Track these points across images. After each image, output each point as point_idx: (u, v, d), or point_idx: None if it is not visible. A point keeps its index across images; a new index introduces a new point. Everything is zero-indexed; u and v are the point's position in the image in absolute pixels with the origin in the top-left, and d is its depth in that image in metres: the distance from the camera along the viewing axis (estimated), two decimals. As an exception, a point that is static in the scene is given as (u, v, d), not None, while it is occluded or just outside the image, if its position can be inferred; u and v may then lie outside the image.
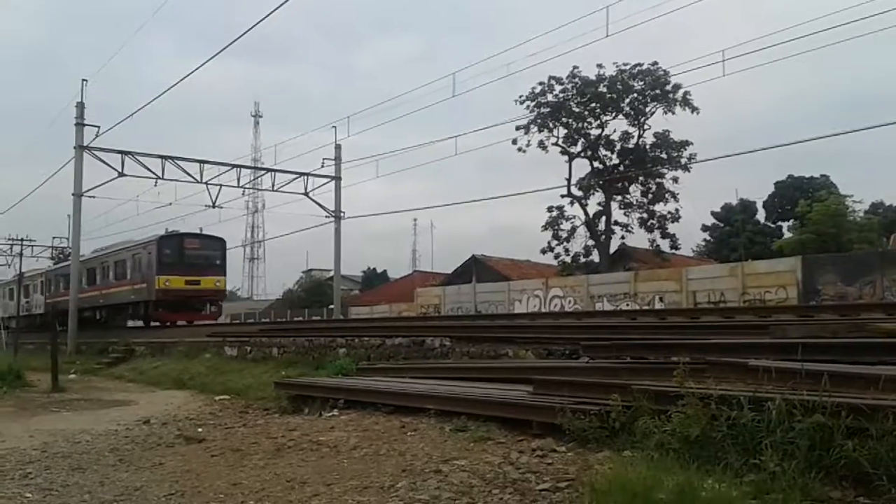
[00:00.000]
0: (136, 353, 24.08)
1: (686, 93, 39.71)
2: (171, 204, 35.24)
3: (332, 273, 42.90)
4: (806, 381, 5.14)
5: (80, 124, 29.38)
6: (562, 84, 41.43)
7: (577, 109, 41.57)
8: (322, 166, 34.59)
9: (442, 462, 6.08)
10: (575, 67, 41.09)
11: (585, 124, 42.27)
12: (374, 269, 75.50)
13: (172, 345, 22.49)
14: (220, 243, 33.37)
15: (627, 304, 28.64)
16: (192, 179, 31.77)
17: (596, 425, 5.92)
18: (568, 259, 44.29)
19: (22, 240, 62.18)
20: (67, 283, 34.35)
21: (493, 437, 6.68)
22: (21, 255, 60.53)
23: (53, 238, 61.49)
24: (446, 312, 36.40)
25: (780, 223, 52.84)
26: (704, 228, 57.17)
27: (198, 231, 33.66)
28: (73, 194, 29.80)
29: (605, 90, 40.99)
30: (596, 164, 43.21)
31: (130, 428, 10.39)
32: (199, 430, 9.81)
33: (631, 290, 29.75)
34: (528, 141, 41.56)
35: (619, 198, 43.29)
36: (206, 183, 32.23)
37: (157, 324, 32.21)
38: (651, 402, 5.70)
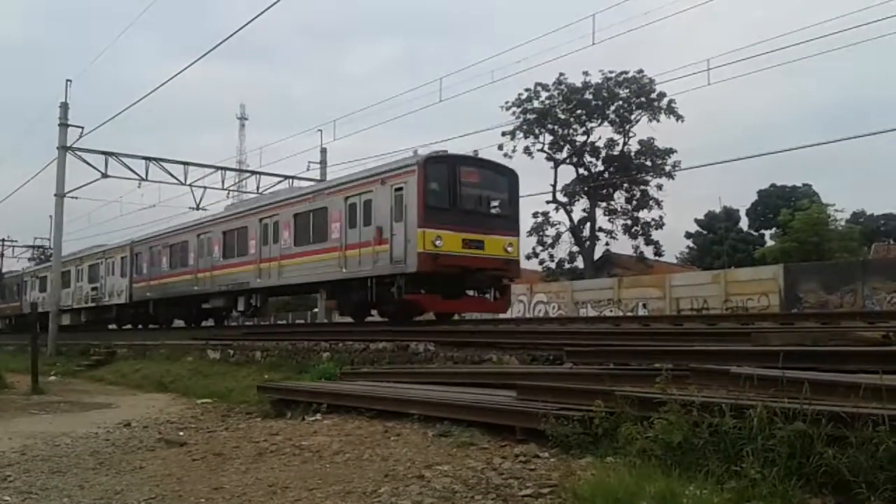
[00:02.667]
0: (117, 356, 23.89)
1: (671, 101, 40.05)
2: (154, 206, 34.98)
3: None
4: (787, 389, 5.18)
5: (63, 125, 29.10)
6: (548, 91, 41.69)
7: (562, 116, 41.83)
8: (308, 169, 34.46)
9: (425, 467, 6.07)
10: (561, 74, 41.40)
11: (571, 131, 42.54)
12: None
13: (154, 347, 22.32)
14: (510, 179, 19.09)
15: (611, 311, 28.76)
16: (176, 181, 31.52)
17: (579, 431, 5.94)
18: (552, 265, 44.48)
19: (3, 240, 61.78)
20: (179, 256, 28.05)
21: (477, 443, 6.68)
22: (2, 255, 60.12)
23: (35, 239, 61.02)
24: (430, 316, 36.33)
25: (762, 231, 53.33)
26: (688, 235, 57.57)
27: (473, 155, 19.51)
28: (55, 195, 29.52)
29: (590, 97, 41.25)
30: (581, 170, 43.49)
31: (111, 431, 10.31)
32: (181, 433, 9.75)
33: (615, 296, 29.90)
34: (514, 146, 41.72)
35: (604, 204, 43.56)
36: (190, 185, 31.99)
37: (418, 317, 18.83)
38: (634, 409, 5.72)
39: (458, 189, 17.54)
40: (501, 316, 20.01)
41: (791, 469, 4.45)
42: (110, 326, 36.49)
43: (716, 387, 5.90)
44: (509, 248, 17.93)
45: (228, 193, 35.34)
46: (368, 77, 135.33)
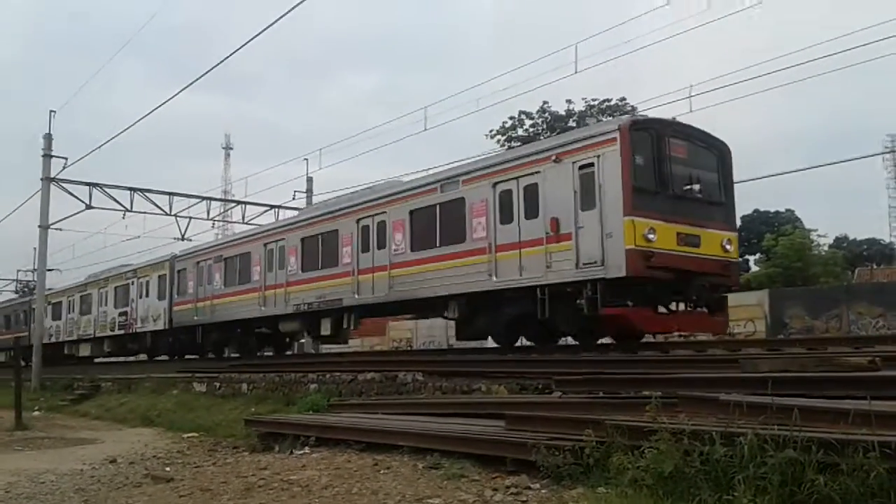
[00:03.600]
0: (102, 389, 23.58)
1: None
2: (139, 236, 34.75)
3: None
4: (777, 416, 5.19)
5: (47, 155, 28.99)
6: (532, 118, 42.06)
7: (547, 144, 42.08)
8: (294, 198, 34.41)
9: (415, 500, 6.03)
10: (545, 102, 41.75)
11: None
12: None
13: (140, 381, 22.08)
14: (723, 154, 14.82)
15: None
16: (161, 212, 31.46)
17: (570, 461, 5.92)
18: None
19: (-15, 273, 61.18)
20: (238, 271, 23.82)
21: (467, 475, 6.63)
22: (-15, 288, 59.51)
23: (18, 271, 60.49)
24: (419, 346, 36.21)
25: (747, 256, 53.65)
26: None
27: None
28: (39, 226, 29.32)
29: (574, 125, 41.59)
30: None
31: (96, 467, 10.15)
32: (168, 469, 9.62)
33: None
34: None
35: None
36: (175, 215, 31.92)
37: (613, 337, 15.43)
38: (624, 438, 5.71)
39: (668, 166, 13.46)
40: (489, 344, 18.89)
41: (783, 497, 4.45)
42: (139, 357, 33.50)
43: (705, 414, 5.90)
44: (728, 247, 13.96)
45: (214, 223, 35.27)
46: (353, 106, 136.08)
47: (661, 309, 13.86)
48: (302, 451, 9.10)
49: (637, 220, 12.59)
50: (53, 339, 37.23)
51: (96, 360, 35.63)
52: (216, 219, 35.95)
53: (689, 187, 13.59)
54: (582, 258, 13.16)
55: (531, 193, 14.21)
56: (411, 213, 17.06)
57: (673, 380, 7.76)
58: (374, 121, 69.04)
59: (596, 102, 41.22)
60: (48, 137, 29.18)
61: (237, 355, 25.03)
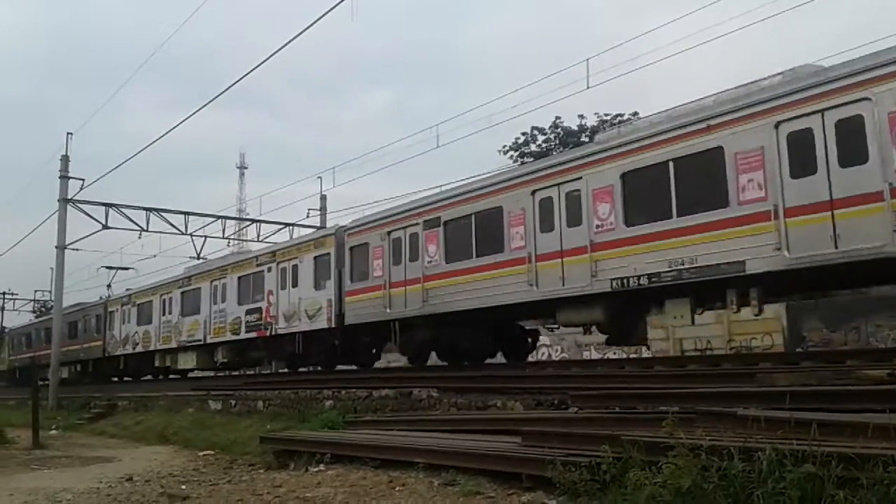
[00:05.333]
0: (118, 408, 23.69)
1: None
2: (155, 256, 34.84)
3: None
4: (795, 430, 5.14)
5: (64, 177, 29.34)
6: (544, 134, 42.09)
7: (560, 159, 42.10)
8: (307, 216, 34.57)
9: (431, 518, 6.00)
10: (557, 118, 41.80)
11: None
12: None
13: (155, 399, 22.15)
14: None
15: (614, 353, 28.58)
16: (176, 231, 31.68)
17: (587, 478, 5.86)
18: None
19: (3, 293, 61.76)
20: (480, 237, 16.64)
21: (483, 492, 6.60)
22: (3, 308, 60.06)
23: (35, 291, 60.90)
24: (434, 362, 36.09)
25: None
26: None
27: None
28: (56, 247, 29.60)
29: (587, 140, 41.61)
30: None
31: (113, 486, 10.18)
32: (183, 487, 9.63)
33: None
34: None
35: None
36: (190, 234, 32.14)
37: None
38: (641, 454, 5.66)
39: None
40: (501, 359, 19.28)
41: (803, 513, 4.39)
42: (268, 368, 28.76)
43: (723, 429, 5.85)
44: None
45: (229, 242, 35.37)
46: (364, 125, 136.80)
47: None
48: (317, 469, 9.09)
49: None
50: (139, 349, 32.25)
51: (199, 377, 29.81)
52: (231, 237, 36.13)
53: None
54: None
55: None
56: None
57: (690, 394, 7.71)
58: (386, 139, 69.47)
59: (608, 117, 41.23)
60: (65, 159, 29.55)
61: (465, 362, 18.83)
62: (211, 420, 17.12)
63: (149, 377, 34.51)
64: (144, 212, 30.61)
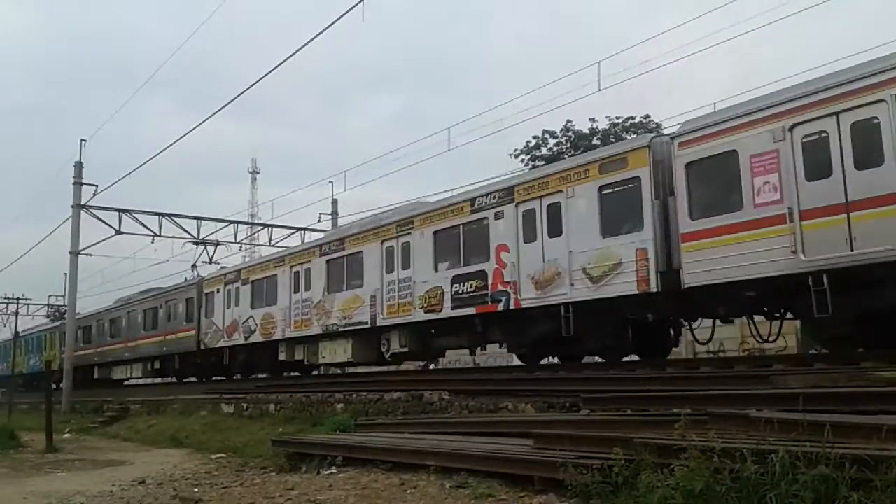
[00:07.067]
0: (131, 412, 23.82)
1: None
2: (168, 261, 34.89)
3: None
4: (808, 432, 5.11)
5: (78, 183, 29.56)
6: (556, 137, 41.98)
7: (572, 162, 41.93)
8: (319, 220, 34.57)
9: (443, 520, 5.99)
10: (568, 121, 41.68)
11: (580, 176, 42.57)
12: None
13: (168, 402, 22.25)
14: None
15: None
16: (189, 236, 31.86)
17: (598, 480, 5.85)
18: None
19: (18, 298, 62.11)
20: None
21: (495, 494, 6.59)
22: (17, 314, 60.41)
23: (49, 296, 61.19)
24: (444, 365, 36.09)
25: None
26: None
27: None
28: (70, 252, 29.81)
29: (598, 143, 41.50)
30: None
31: (126, 489, 10.22)
32: (196, 490, 9.65)
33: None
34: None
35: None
36: (203, 239, 32.32)
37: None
38: (653, 456, 5.64)
39: None
40: (516, 362, 19.09)
41: (816, 514, 4.35)
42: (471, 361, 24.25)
43: (736, 431, 5.82)
44: None
45: (241, 247, 35.43)
46: (374, 130, 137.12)
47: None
48: (329, 471, 9.10)
49: None
50: (254, 339, 24.84)
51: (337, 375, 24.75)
52: (243, 241, 36.24)
53: None
54: None
55: None
56: None
57: (702, 396, 7.67)
58: (397, 143, 69.54)
59: (620, 120, 41.12)
60: (79, 165, 29.79)
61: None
62: (223, 423, 17.18)
63: (262, 376, 27.45)
64: (157, 217, 30.82)
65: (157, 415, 21.57)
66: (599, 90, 20.57)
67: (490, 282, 16.09)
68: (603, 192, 14.02)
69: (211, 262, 33.05)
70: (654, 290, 12.93)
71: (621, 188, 13.81)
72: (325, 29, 14.15)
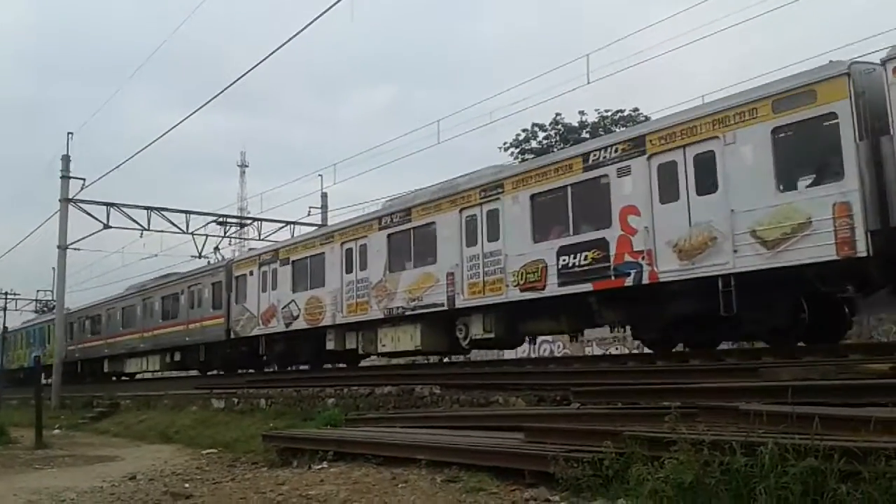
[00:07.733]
0: (121, 407, 23.74)
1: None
2: (156, 255, 34.72)
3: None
4: (797, 425, 5.14)
5: (65, 177, 29.40)
6: (545, 130, 42.01)
7: (561, 155, 41.97)
8: (308, 214, 34.50)
9: (434, 514, 6.00)
10: (557, 114, 41.71)
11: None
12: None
13: (158, 398, 22.19)
14: None
15: (617, 349, 28.57)
16: (177, 230, 31.71)
17: (589, 473, 5.87)
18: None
19: (6, 293, 61.76)
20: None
21: (486, 488, 6.60)
22: (5, 308, 60.10)
23: (38, 291, 60.86)
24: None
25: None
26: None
27: None
28: (58, 247, 29.65)
29: (587, 136, 41.55)
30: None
31: (116, 484, 10.18)
32: (187, 485, 9.64)
33: (620, 334, 29.54)
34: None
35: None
36: (191, 233, 32.21)
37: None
38: (644, 449, 5.67)
39: None
40: (507, 356, 18.76)
41: (805, 507, 4.38)
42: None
43: (725, 424, 5.86)
44: None
45: (230, 240, 35.28)
46: (364, 122, 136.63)
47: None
48: (320, 466, 9.10)
49: None
50: (296, 325, 22.04)
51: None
52: (232, 235, 36.13)
53: None
54: None
55: None
56: None
57: (692, 390, 7.71)
58: (388, 135, 69.40)
59: (609, 113, 41.17)
60: (66, 159, 29.62)
61: None
62: (214, 418, 17.15)
63: (304, 367, 24.72)
64: (145, 211, 30.68)
65: (148, 410, 21.52)
66: (588, 83, 20.59)
67: (613, 252, 13.38)
68: (778, 136, 11.32)
69: (200, 257, 32.93)
70: (863, 253, 10.27)
71: (807, 129, 11.19)
72: (314, 19, 13.99)
